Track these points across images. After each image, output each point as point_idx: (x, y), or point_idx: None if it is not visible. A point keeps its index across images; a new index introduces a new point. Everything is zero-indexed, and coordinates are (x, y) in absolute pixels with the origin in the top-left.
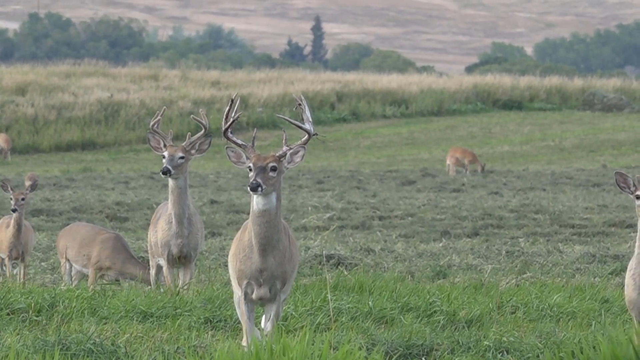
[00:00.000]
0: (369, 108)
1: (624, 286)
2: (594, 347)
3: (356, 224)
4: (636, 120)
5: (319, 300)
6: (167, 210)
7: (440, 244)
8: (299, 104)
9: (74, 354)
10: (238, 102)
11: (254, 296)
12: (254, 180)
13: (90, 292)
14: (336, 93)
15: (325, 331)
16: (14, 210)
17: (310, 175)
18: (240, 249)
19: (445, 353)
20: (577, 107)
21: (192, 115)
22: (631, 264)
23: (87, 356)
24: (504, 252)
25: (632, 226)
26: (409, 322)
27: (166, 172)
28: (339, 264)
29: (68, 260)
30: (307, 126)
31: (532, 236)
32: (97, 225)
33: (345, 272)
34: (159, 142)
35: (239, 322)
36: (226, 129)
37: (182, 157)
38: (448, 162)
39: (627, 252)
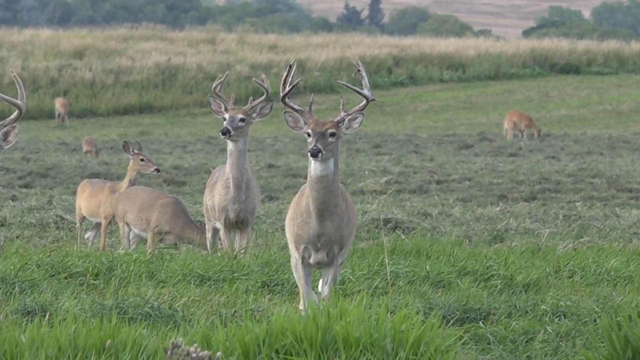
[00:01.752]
0: (426, 72)
1: None
2: None
3: (413, 188)
4: None
5: (376, 264)
6: (224, 175)
7: (498, 208)
8: (358, 70)
9: (132, 317)
10: (295, 67)
11: (311, 260)
12: (314, 146)
13: (148, 256)
14: (393, 57)
15: (383, 295)
16: (157, 171)
17: (367, 139)
18: (297, 214)
19: (502, 317)
20: (635, 71)
21: (254, 79)
22: None
23: (145, 320)
24: (561, 216)
25: None
26: (466, 286)
27: (226, 132)
28: (396, 228)
29: (127, 224)
30: (366, 92)
31: (589, 200)
32: (155, 189)
33: (403, 236)
34: (220, 105)
35: (296, 286)
36: (284, 95)
37: (242, 120)
38: (505, 126)
39: None
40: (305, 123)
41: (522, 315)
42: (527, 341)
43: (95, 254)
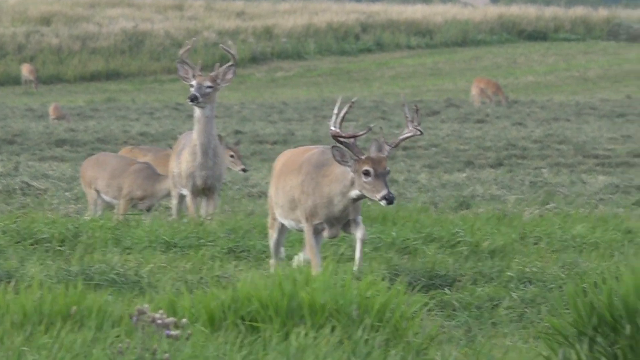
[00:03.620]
0: (394, 39)
1: None
2: (616, 278)
3: None
4: None
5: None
6: (191, 141)
7: (464, 175)
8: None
9: (97, 284)
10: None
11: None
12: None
13: (113, 222)
14: (360, 24)
15: (349, 261)
16: (245, 171)
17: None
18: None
19: (468, 283)
20: (602, 38)
21: (221, 45)
22: None
23: (110, 286)
24: (527, 182)
25: None
26: (432, 252)
27: (193, 99)
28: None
29: (97, 190)
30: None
31: (556, 167)
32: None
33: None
34: (187, 72)
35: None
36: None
37: (209, 87)
38: (473, 92)
39: None
40: (350, 157)
41: (488, 281)
42: (492, 307)
43: (61, 220)
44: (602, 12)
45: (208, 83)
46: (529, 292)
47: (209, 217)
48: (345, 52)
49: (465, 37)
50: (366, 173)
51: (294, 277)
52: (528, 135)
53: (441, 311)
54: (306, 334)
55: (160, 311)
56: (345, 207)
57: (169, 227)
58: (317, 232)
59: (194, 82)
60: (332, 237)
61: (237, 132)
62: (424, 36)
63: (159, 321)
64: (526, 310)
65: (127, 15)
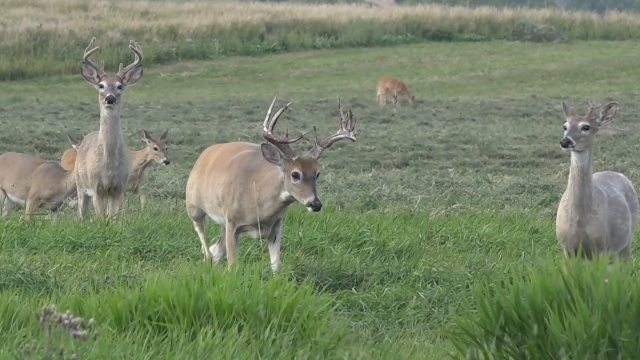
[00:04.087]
0: (299, 39)
1: (555, 217)
2: (523, 278)
3: None
4: (565, 51)
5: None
6: (96, 141)
7: (370, 174)
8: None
9: (4, 284)
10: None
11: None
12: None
13: (20, 222)
14: (266, 24)
15: (255, 261)
16: (167, 163)
17: (239, 106)
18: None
19: (375, 283)
20: (507, 38)
21: (130, 44)
22: (564, 196)
23: (17, 286)
24: (433, 182)
25: (561, 156)
26: (339, 252)
27: (112, 100)
28: None
29: (3, 190)
30: None
31: (462, 166)
32: (31, 155)
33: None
34: (92, 72)
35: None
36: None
37: (120, 87)
38: (378, 92)
39: (557, 182)
40: (281, 157)
41: (395, 281)
42: (399, 307)
43: None
44: (507, 13)
45: (118, 83)
46: (436, 291)
47: (114, 217)
48: (250, 52)
49: (370, 37)
50: (295, 175)
51: (200, 277)
52: (434, 135)
53: (348, 311)
54: (213, 334)
55: (67, 311)
56: (276, 212)
57: (75, 228)
58: (238, 232)
59: (104, 83)
60: (264, 237)
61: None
62: (329, 36)
63: (66, 321)
64: (433, 310)
65: (32, 15)
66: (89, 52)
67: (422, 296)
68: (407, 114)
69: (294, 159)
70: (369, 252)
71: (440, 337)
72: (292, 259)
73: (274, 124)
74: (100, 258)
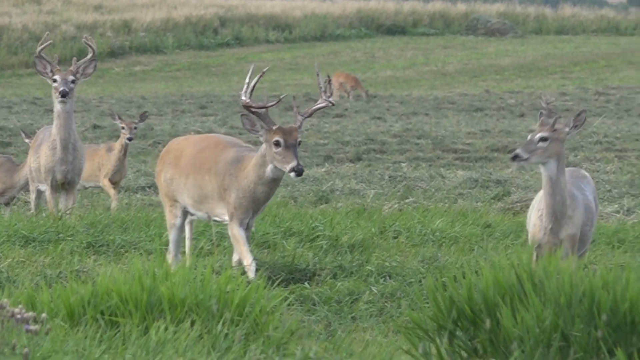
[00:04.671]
0: (252, 33)
1: (527, 220)
2: (476, 272)
3: None
4: (519, 45)
5: (201, 224)
6: (49, 136)
7: (323, 169)
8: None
9: None
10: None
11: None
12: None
13: None
14: (219, 18)
15: (208, 256)
16: (130, 139)
17: (193, 100)
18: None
19: (328, 278)
20: (460, 32)
21: (83, 39)
22: (539, 204)
23: None
24: (386, 177)
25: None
26: (292, 247)
27: (66, 94)
28: None
29: None
30: None
31: (415, 161)
32: None
33: None
34: (45, 66)
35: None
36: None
37: (73, 81)
38: (332, 87)
39: (510, 177)
40: (261, 127)
41: (348, 275)
42: (352, 302)
43: None
44: (461, 7)
45: (71, 77)
46: (388, 286)
47: (68, 212)
48: (204, 47)
49: (324, 32)
50: (277, 144)
51: (153, 272)
52: (387, 129)
53: (301, 305)
54: (166, 329)
55: (20, 306)
56: (267, 194)
57: (27, 222)
58: (243, 225)
59: (57, 77)
60: (250, 227)
61: (95, 126)
62: (283, 31)
63: (18, 316)
64: (386, 304)
65: None
66: (42, 46)
67: (375, 291)
68: (361, 109)
69: (274, 127)
70: (321, 247)
71: (392, 332)
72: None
73: (252, 90)
74: (53, 252)
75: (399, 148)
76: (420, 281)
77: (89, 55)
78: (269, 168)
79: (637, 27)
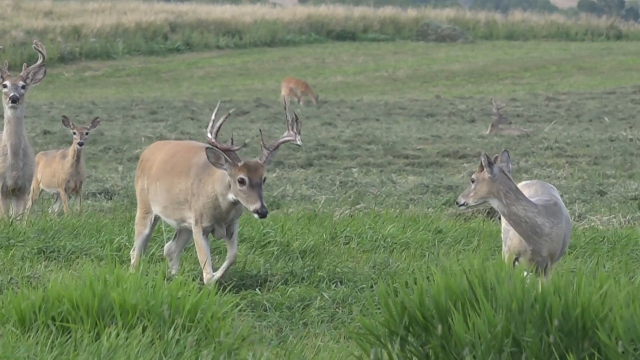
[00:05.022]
0: (203, 38)
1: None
2: (427, 278)
3: None
4: (469, 51)
5: (153, 231)
6: (0, 142)
7: (274, 175)
8: None
9: None
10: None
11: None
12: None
13: None
14: (169, 23)
15: (160, 262)
16: (81, 144)
17: (143, 106)
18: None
19: (279, 284)
20: (411, 38)
21: (34, 44)
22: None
23: None
24: (337, 182)
25: (465, 157)
26: (243, 253)
27: (16, 99)
28: None
29: None
30: None
31: (366, 167)
32: None
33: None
34: None
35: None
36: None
37: (24, 86)
38: (282, 92)
39: (460, 182)
40: (226, 161)
41: (299, 281)
42: (303, 308)
43: None
44: (411, 13)
45: (21, 83)
46: (340, 292)
47: (19, 218)
48: (154, 52)
49: (274, 37)
50: (241, 181)
51: (104, 278)
52: (338, 135)
53: (252, 311)
54: (117, 335)
55: None
56: (227, 211)
57: None
58: (205, 233)
59: (7, 83)
60: (220, 237)
61: (45, 132)
62: (233, 36)
63: None
64: (337, 310)
65: None
66: None
67: (326, 296)
68: (311, 114)
69: (239, 164)
70: (273, 253)
71: (344, 338)
72: (196, 259)
73: (218, 130)
74: (3, 258)
75: (349, 154)
76: (371, 287)
77: (39, 61)
78: (231, 196)
79: (587, 33)
